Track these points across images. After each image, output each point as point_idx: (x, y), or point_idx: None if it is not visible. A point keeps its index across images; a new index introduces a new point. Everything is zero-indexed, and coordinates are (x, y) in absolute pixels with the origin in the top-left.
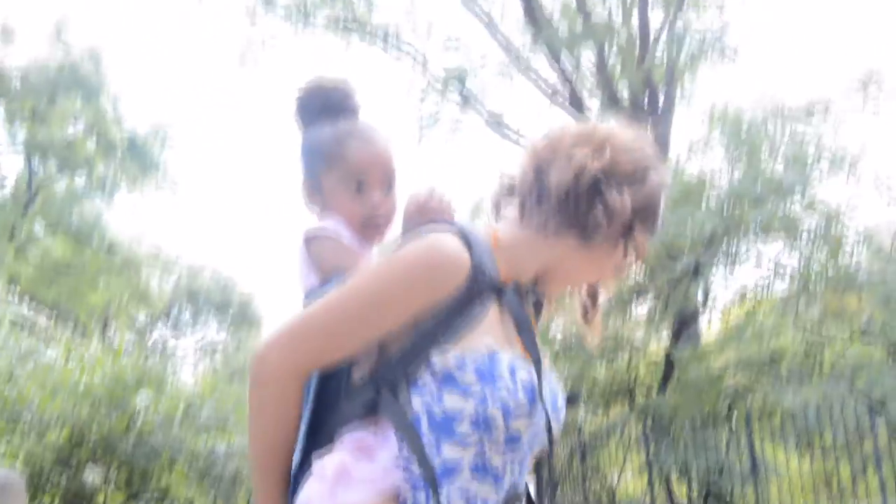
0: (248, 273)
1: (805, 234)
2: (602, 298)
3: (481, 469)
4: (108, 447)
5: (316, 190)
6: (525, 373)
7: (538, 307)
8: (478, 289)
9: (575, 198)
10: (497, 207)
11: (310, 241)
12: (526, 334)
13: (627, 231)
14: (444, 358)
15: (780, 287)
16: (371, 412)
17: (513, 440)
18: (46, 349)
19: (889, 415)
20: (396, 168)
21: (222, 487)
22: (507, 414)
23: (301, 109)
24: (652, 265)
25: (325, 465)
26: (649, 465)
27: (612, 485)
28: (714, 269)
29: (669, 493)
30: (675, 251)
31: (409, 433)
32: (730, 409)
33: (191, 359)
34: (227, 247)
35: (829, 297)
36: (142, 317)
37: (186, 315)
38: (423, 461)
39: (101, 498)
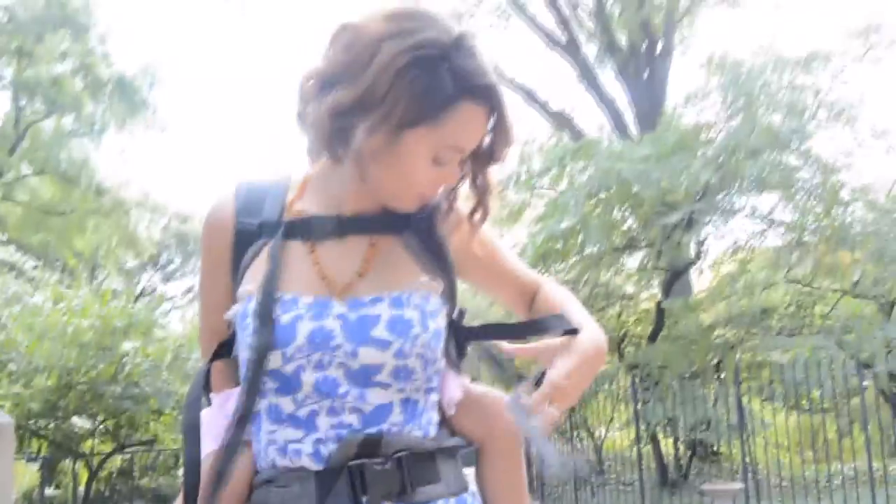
0: None
1: (800, 187)
2: (488, 193)
3: (275, 415)
4: (96, 394)
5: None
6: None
7: (424, 223)
8: (246, 235)
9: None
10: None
11: None
12: (271, 270)
13: (369, 125)
14: (230, 312)
15: (773, 240)
16: None
17: (286, 381)
18: (34, 293)
19: (877, 372)
20: None
21: None
22: (251, 356)
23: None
24: (645, 215)
25: (214, 399)
26: (637, 418)
27: (600, 438)
28: (707, 221)
29: (656, 446)
30: (668, 201)
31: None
32: (718, 362)
33: (179, 305)
34: (218, 192)
35: (823, 251)
36: (130, 262)
37: (176, 261)
38: (186, 409)
39: (88, 446)
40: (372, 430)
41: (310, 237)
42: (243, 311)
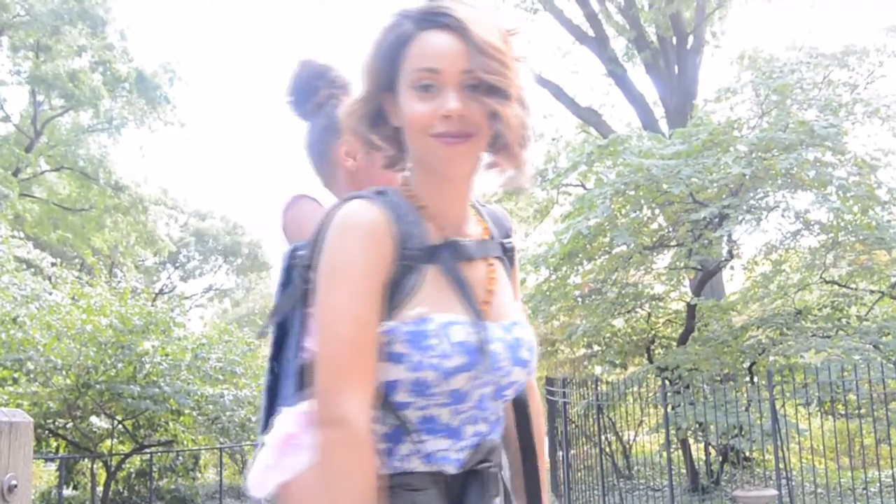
0: (257, 218)
1: (835, 185)
2: (504, 126)
3: (430, 426)
4: (115, 393)
5: (326, 163)
6: (463, 332)
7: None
8: (408, 260)
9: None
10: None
11: (289, 206)
12: (463, 293)
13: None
14: (386, 327)
15: (809, 240)
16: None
17: (458, 397)
18: (52, 291)
19: None
20: None
21: (230, 435)
22: (443, 375)
23: (293, 101)
24: (675, 213)
25: (273, 434)
26: (666, 422)
27: (629, 442)
28: (739, 219)
29: (687, 451)
30: (699, 199)
31: None
32: (751, 365)
33: (199, 304)
34: (237, 190)
35: (860, 251)
36: (149, 260)
37: (195, 259)
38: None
39: (106, 446)
40: (494, 436)
41: (454, 261)
42: (422, 332)
